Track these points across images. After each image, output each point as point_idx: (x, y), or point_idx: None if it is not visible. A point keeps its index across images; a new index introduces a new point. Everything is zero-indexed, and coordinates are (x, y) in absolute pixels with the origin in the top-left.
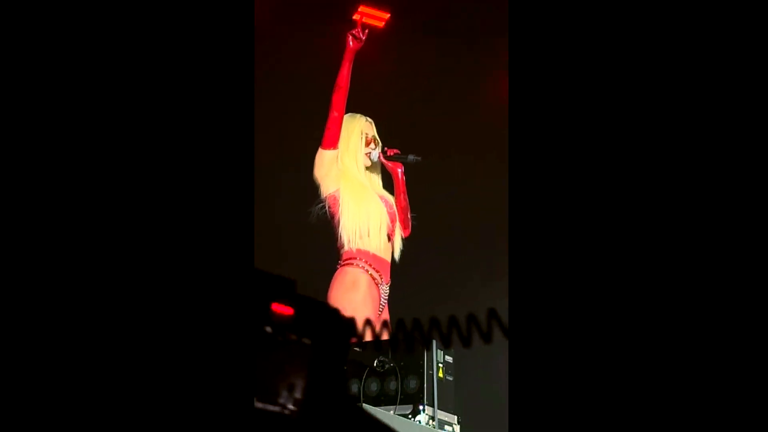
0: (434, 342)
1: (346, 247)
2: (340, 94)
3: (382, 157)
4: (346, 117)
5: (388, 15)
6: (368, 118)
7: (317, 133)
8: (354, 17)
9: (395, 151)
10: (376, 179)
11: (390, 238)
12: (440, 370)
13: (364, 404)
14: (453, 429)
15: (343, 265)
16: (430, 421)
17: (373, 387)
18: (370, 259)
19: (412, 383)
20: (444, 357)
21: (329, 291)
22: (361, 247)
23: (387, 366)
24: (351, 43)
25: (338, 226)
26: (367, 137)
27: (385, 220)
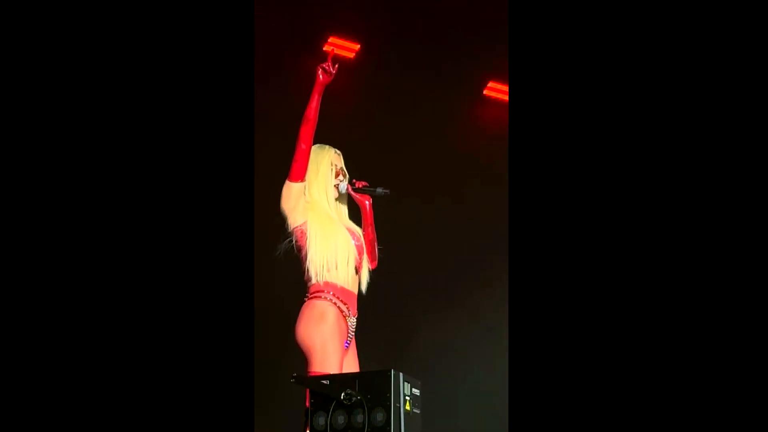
0: (401, 374)
1: (313, 280)
2: (308, 127)
3: (350, 189)
4: (315, 148)
5: (359, 46)
6: (337, 150)
7: (284, 166)
8: (324, 48)
9: (363, 183)
10: (344, 211)
11: (357, 270)
12: (407, 403)
13: None
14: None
15: (311, 297)
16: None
17: (340, 420)
18: (337, 292)
19: (380, 416)
20: (411, 390)
21: (297, 323)
22: (329, 279)
23: (354, 399)
24: (321, 76)
25: (305, 259)
26: (336, 168)
27: (353, 252)
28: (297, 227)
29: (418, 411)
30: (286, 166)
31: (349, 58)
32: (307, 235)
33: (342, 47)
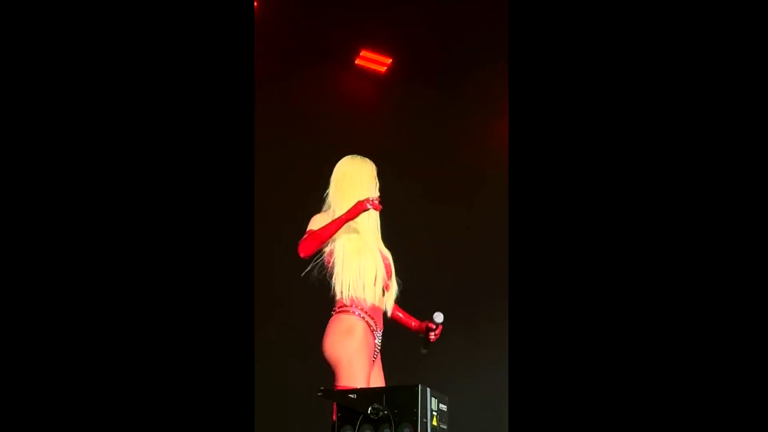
0: (428, 390)
1: (338, 296)
2: (314, 244)
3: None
4: (358, 160)
5: (390, 60)
6: (373, 164)
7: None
8: (356, 62)
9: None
10: (376, 231)
11: (385, 291)
12: (434, 419)
13: None
14: None
15: (338, 312)
16: None
17: None
18: (365, 307)
19: (406, 431)
20: (438, 405)
21: (325, 337)
22: (357, 296)
23: (381, 413)
24: (368, 205)
25: (332, 276)
26: (376, 183)
27: (381, 272)
28: (328, 249)
29: (445, 426)
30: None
31: (381, 72)
32: (335, 253)
33: (374, 60)
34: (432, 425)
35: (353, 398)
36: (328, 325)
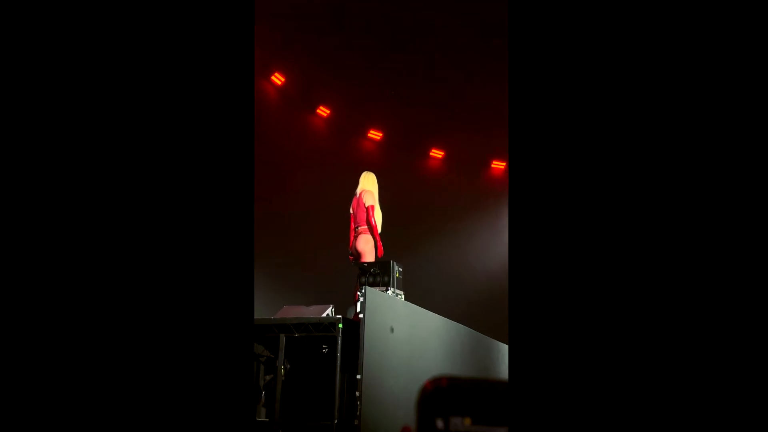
0: (394, 262)
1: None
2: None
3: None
4: (371, 175)
5: (381, 135)
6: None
7: None
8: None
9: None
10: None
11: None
12: (397, 273)
13: (367, 287)
14: (401, 297)
15: (360, 232)
16: (394, 293)
17: (371, 280)
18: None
19: (386, 279)
20: (398, 268)
21: (356, 244)
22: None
23: (375, 270)
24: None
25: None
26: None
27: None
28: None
29: (401, 276)
30: None
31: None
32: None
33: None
34: (396, 277)
35: (365, 265)
36: (357, 238)
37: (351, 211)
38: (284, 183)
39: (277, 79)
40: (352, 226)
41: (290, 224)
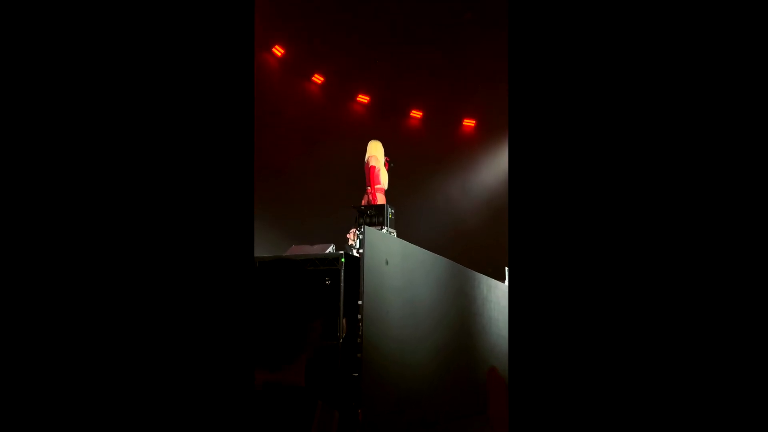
0: (387, 205)
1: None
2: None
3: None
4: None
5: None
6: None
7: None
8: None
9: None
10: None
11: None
12: (390, 214)
13: (366, 226)
14: (394, 234)
15: (375, 191)
16: (388, 231)
17: (367, 221)
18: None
19: (381, 219)
20: (391, 211)
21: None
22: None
23: (371, 212)
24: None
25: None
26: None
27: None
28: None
29: (392, 217)
30: None
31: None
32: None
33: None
34: (389, 217)
35: (363, 209)
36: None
37: (365, 174)
38: (285, 143)
39: (278, 51)
40: (366, 186)
41: (290, 180)
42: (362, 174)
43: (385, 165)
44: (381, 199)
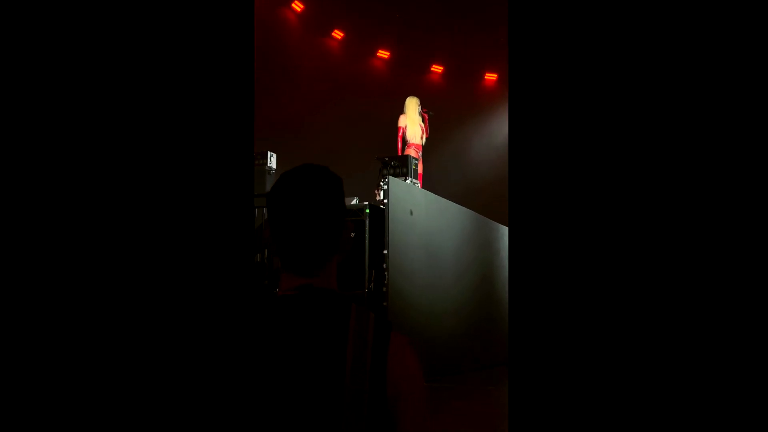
0: (410, 156)
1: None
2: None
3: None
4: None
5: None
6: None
7: None
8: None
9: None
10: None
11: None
12: (414, 165)
13: (390, 177)
14: (417, 185)
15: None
16: (411, 182)
17: (391, 172)
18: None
19: (404, 170)
20: (414, 161)
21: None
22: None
23: (396, 164)
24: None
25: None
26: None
27: (419, 132)
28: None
29: (416, 169)
30: None
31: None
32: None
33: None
34: (413, 168)
35: (387, 159)
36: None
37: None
38: (305, 98)
39: (297, 6)
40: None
41: (309, 134)
42: (383, 127)
43: (423, 117)
44: (413, 154)
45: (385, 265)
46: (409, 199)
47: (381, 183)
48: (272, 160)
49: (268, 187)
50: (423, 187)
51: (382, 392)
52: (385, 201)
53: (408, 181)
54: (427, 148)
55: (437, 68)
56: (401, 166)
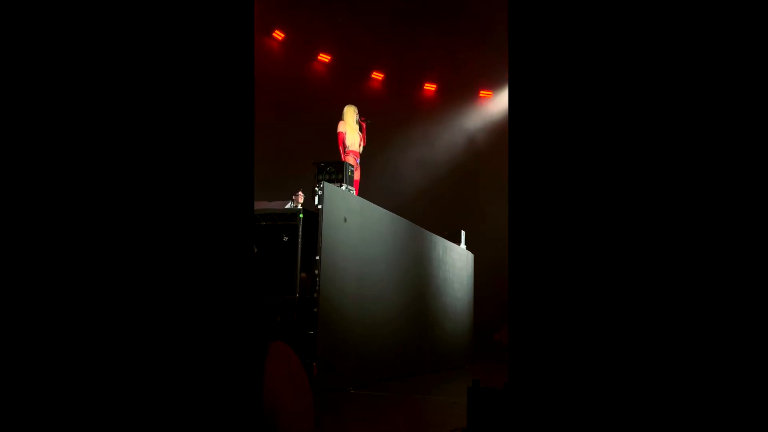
0: (347, 163)
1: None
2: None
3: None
4: (348, 108)
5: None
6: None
7: None
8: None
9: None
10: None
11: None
12: (350, 172)
13: (325, 182)
14: (352, 191)
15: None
16: (347, 188)
17: (326, 177)
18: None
19: (340, 176)
20: (351, 167)
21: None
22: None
23: (331, 170)
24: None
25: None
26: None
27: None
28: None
29: (351, 175)
30: None
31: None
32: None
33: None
34: (349, 175)
35: (322, 164)
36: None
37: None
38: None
39: (278, 35)
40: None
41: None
42: (321, 131)
43: (362, 125)
44: (351, 161)
45: (316, 271)
46: (344, 206)
47: (316, 188)
48: None
49: None
50: (359, 195)
51: None
52: (320, 206)
53: (343, 188)
54: (364, 156)
55: (378, 75)
56: (337, 172)
